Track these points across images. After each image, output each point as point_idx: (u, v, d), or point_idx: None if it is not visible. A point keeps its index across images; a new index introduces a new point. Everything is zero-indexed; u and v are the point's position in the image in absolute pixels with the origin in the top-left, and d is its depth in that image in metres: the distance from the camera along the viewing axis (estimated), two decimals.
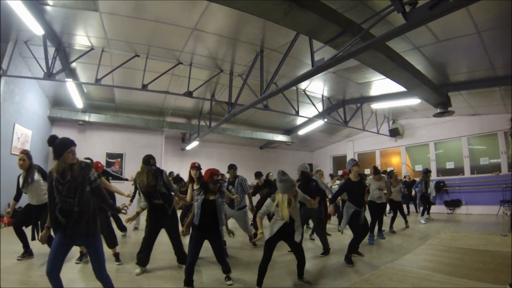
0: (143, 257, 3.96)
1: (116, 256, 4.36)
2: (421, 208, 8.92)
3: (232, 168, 5.85)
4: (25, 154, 4.23)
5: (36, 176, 4.20)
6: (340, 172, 13.87)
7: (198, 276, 3.78)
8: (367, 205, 5.99)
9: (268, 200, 3.51)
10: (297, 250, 3.56)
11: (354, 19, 4.32)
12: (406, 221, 7.66)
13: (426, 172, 8.91)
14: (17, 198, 4.36)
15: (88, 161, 2.95)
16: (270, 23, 4.32)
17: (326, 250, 5.09)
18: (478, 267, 3.79)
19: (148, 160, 3.92)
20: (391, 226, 7.19)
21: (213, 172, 3.49)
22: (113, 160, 11.10)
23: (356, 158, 13.66)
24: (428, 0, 3.13)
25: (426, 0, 3.15)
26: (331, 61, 4.65)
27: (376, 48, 4.66)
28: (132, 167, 7.48)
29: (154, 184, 3.94)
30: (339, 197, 7.66)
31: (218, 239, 3.53)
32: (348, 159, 5.87)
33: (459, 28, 5.13)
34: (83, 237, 2.60)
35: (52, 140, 2.62)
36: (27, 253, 4.36)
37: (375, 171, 6.31)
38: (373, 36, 4.17)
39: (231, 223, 5.88)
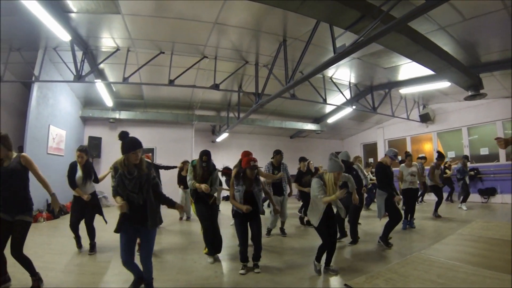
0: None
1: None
2: (459, 194, 8.78)
3: (279, 153, 5.86)
4: (83, 151, 4.55)
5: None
6: (371, 160, 13.72)
7: (227, 264, 3.95)
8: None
9: (314, 179, 3.67)
10: (333, 235, 3.66)
11: (373, 2, 4.18)
12: (436, 209, 7.40)
13: (466, 158, 8.77)
14: (74, 185, 4.55)
15: (149, 160, 3.19)
16: (290, 12, 4.28)
17: (354, 240, 5.07)
18: (507, 259, 3.58)
19: (201, 156, 4.18)
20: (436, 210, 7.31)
21: (250, 159, 3.77)
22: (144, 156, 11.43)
23: (386, 146, 13.51)
24: None
25: None
26: (352, 46, 4.51)
27: (398, 31, 4.49)
28: (163, 161, 7.78)
29: (206, 180, 4.19)
30: (371, 182, 7.74)
31: (257, 223, 3.80)
32: (378, 146, 5.79)
33: (486, 5, 4.81)
34: (143, 228, 2.80)
35: (124, 136, 2.80)
36: (80, 243, 4.64)
37: (407, 155, 6.30)
38: (394, 18, 4.03)
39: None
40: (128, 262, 2.81)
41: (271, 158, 5.94)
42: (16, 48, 6.96)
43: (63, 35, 5.62)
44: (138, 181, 2.75)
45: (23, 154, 3.07)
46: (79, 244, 4.61)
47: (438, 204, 7.40)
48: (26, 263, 3.00)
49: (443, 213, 7.49)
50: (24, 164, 3.02)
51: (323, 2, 3.83)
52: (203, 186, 4.00)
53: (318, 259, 3.69)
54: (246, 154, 4.39)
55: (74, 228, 4.54)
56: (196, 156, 4.55)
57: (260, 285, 3.25)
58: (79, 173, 4.49)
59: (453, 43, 6.15)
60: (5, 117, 7.85)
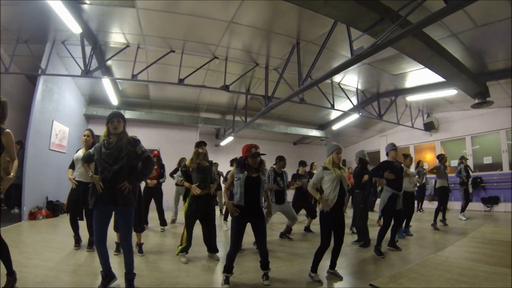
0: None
1: (140, 246, 4.32)
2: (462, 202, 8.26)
3: (282, 160, 5.72)
4: (90, 131, 4.59)
5: None
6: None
7: (237, 267, 3.54)
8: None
9: (319, 169, 3.58)
10: (339, 235, 3.43)
11: (391, 6, 4.21)
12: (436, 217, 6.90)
13: (463, 158, 8.42)
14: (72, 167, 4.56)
15: (137, 137, 3.10)
16: (306, 14, 4.26)
17: (365, 242, 5.00)
18: None
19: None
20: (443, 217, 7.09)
21: (250, 145, 3.38)
22: None
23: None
24: None
25: None
26: (371, 48, 4.55)
27: (414, 35, 4.55)
28: (167, 162, 7.62)
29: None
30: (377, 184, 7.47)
31: (262, 224, 3.32)
32: (381, 155, 5.80)
33: (497, 12, 4.88)
34: (118, 206, 2.82)
35: None
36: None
37: (405, 156, 6.11)
38: (410, 23, 4.07)
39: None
40: (99, 242, 2.82)
41: (273, 165, 5.79)
42: (23, 40, 6.86)
43: (75, 27, 5.47)
44: (115, 152, 2.81)
45: (8, 131, 2.79)
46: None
47: (438, 211, 6.95)
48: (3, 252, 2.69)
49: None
50: (4, 142, 2.72)
51: (346, 2, 3.85)
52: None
53: (314, 269, 3.36)
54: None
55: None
56: None
57: None
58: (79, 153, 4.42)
59: (462, 50, 6.24)
60: (8, 111, 7.70)
